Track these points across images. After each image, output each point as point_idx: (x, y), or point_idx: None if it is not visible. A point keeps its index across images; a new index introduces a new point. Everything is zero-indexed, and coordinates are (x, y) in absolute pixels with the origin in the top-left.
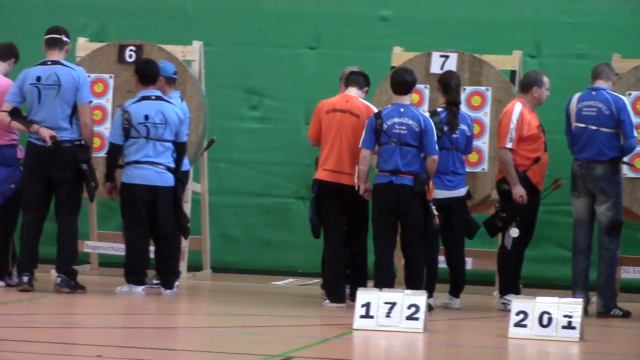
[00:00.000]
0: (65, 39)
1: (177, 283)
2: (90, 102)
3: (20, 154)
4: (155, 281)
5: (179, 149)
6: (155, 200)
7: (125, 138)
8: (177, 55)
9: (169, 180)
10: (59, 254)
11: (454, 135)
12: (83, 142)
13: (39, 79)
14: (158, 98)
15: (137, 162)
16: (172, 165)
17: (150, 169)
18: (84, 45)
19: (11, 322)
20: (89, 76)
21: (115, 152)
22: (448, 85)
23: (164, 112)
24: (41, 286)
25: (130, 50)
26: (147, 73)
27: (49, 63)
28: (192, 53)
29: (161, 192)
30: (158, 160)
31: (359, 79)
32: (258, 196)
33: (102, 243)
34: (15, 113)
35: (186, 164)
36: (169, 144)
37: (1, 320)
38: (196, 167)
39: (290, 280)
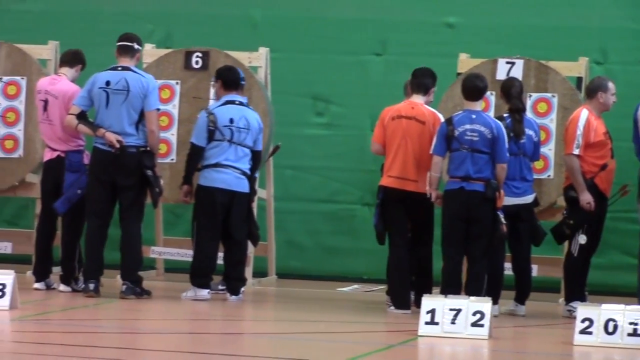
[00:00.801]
0: (137, 46)
1: (242, 289)
2: (158, 109)
3: (87, 159)
4: (221, 287)
5: (256, 156)
6: (231, 205)
7: (208, 140)
8: (244, 62)
9: (245, 186)
10: (123, 262)
11: (522, 141)
12: (148, 149)
13: (108, 83)
14: (241, 103)
15: (217, 165)
16: (249, 172)
17: (230, 173)
18: (150, 52)
19: (77, 327)
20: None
21: (196, 155)
22: (509, 93)
23: (247, 118)
24: (107, 292)
25: (197, 56)
26: (231, 79)
27: (120, 69)
28: (258, 59)
29: (238, 197)
30: (237, 165)
31: (424, 83)
32: (323, 202)
33: (168, 249)
34: (81, 117)
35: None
36: (248, 150)
37: (67, 326)
38: (262, 173)
39: (355, 286)
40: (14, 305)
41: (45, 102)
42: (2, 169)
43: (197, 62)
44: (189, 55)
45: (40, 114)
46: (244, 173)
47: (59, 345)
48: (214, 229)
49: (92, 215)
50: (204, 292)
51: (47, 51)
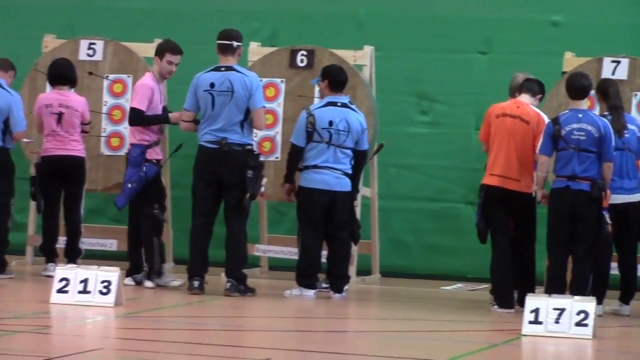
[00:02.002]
0: (236, 44)
1: (346, 287)
2: (264, 107)
3: (156, 154)
4: (324, 285)
5: (359, 156)
6: (332, 204)
7: (307, 141)
8: (348, 60)
9: (346, 185)
10: (228, 259)
11: (625, 136)
12: (254, 148)
13: (212, 85)
14: (344, 105)
15: (316, 166)
16: (350, 171)
17: (329, 174)
18: (256, 50)
19: (182, 324)
20: (260, 80)
21: (296, 154)
22: (607, 92)
23: (348, 120)
24: (212, 289)
25: (302, 54)
26: (339, 79)
27: (222, 69)
28: (363, 58)
29: (339, 196)
30: (337, 166)
31: (533, 86)
32: (427, 201)
33: (272, 246)
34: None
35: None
36: (349, 151)
37: (172, 323)
38: (366, 171)
39: (459, 285)
40: (119, 302)
41: (60, 115)
42: (107, 166)
43: (302, 61)
44: (294, 53)
45: (54, 126)
46: (344, 173)
47: (164, 342)
48: (316, 229)
49: (197, 214)
50: (310, 293)
51: (153, 49)
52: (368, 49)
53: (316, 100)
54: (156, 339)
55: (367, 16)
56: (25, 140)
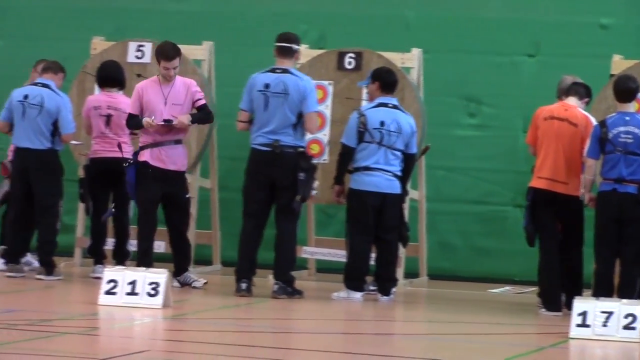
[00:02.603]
0: (295, 47)
1: (394, 290)
2: (317, 111)
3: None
4: (372, 287)
5: (408, 159)
6: (382, 207)
7: (358, 142)
8: (396, 62)
9: (396, 187)
10: (277, 261)
11: None
12: (305, 150)
13: (267, 86)
14: (395, 107)
15: (367, 168)
16: (400, 173)
17: (380, 175)
18: (304, 52)
19: (229, 326)
20: None
21: (347, 155)
22: None
23: (398, 121)
24: (259, 291)
25: (350, 57)
26: (389, 81)
27: (278, 71)
28: (411, 60)
29: (389, 199)
30: (387, 168)
31: (580, 90)
32: (475, 204)
33: (320, 249)
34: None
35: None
36: (399, 153)
37: (219, 325)
38: (414, 174)
39: (507, 288)
40: (167, 304)
41: (108, 117)
42: None
43: (350, 63)
44: (342, 55)
45: (102, 128)
46: (394, 175)
47: (211, 344)
48: (366, 232)
49: (248, 216)
50: (357, 295)
51: (202, 52)
52: (416, 52)
53: (364, 103)
54: (203, 340)
55: (415, 18)
56: (73, 142)
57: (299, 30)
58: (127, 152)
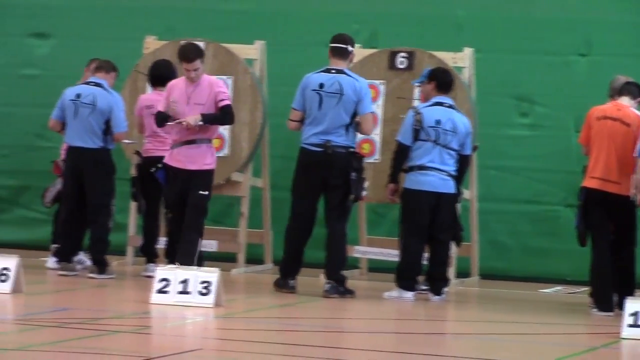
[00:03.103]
0: (350, 48)
1: (445, 289)
2: (372, 112)
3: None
4: (424, 287)
5: (463, 160)
6: (437, 206)
7: (413, 140)
8: (448, 62)
9: (451, 187)
10: (328, 261)
11: None
12: (357, 150)
13: (321, 85)
14: (450, 106)
15: (422, 167)
16: (455, 172)
17: (435, 175)
18: (356, 52)
19: (280, 325)
20: None
21: (402, 153)
22: None
23: (454, 121)
24: (309, 290)
25: (402, 56)
26: (446, 81)
27: (333, 71)
28: (462, 60)
29: (444, 198)
30: (442, 167)
31: (633, 89)
32: (527, 203)
33: (372, 248)
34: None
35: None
36: (454, 153)
37: (270, 324)
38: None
39: (558, 288)
40: (219, 302)
41: None
42: None
43: (401, 62)
44: (393, 55)
45: (155, 127)
46: (449, 174)
47: (263, 343)
48: (420, 231)
49: (297, 214)
50: (409, 295)
51: (254, 51)
52: (467, 51)
53: (415, 102)
54: (254, 339)
55: (466, 18)
56: (126, 141)
57: (350, 30)
58: None
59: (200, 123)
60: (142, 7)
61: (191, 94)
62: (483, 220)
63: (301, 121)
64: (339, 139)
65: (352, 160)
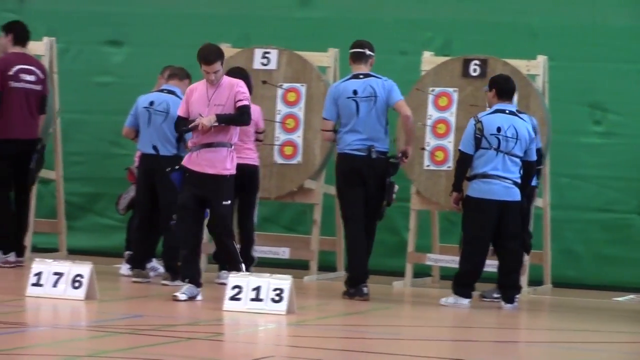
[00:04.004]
0: (368, 52)
1: (517, 297)
2: (402, 99)
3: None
4: (495, 295)
5: (527, 167)
6: (502, 215)
7: (475, 148)
8: (522, 70)
9: (516, 194)
10: None
11: None
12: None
13: (355, 92)
14: (511, 113)
15: (484, 175)
16: (519, 180)
17: (498, 183)
18: (429, 59)
19: (352, 333)
20: (433, 90)
21: (464, 162)
22: None
23: (516, 127)
24: (381, 297)
25: (475, 64)
26: (506, 88)
27: (361, 76)
28: (536, 67)
29: (508, 207)
30: (506, 175)
31: None
32: (599, 211)
33: (444, 256)
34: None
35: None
36: (518, 160)
37: (343, 331)
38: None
39: (632, 296)
40: (291, 310)
41: None
42: (281, 174)
43: (474, 70)
44: (467, 63)
45: None
46: (513, 182)
47: (334, 351)
48: (483, 240)
49: (351, 220)
50: (465, 302)
51: (327, 58)
52: (541, 59)
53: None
54: (326, 347)
55: (540, 26)
56: None
57: (423, 38)
58: (252, 158)
59: (215, 124)
60: (217, 14)
61: (212, 96)
62: (556, 228)
63: (334, 131)
64: (380, 145)
65: (389, 165)
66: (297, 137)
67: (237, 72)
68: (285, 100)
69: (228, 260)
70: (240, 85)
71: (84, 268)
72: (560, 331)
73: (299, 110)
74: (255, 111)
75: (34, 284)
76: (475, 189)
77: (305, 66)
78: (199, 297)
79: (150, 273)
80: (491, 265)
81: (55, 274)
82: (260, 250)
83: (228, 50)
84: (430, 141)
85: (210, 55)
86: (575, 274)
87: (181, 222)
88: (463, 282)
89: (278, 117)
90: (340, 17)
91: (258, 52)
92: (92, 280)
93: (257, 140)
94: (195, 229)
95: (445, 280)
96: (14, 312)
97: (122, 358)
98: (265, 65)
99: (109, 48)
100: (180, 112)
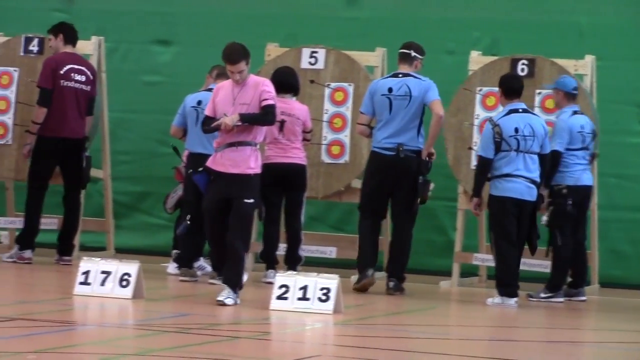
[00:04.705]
0: (414, 54)
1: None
2: (439, 99)
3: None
4: (542, 295)
5: (542, 160)
6: (520, 214)
7: (495, 152)
8: (569, 69)
9: (534, 195)
10: (393, 259)
11: None
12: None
13: (390, 90)
14: (524, 111)
15: (507, 175)
16: (538, 179)
17: (521, 182)
18: (476, 59)
19: (399, 332)
20: (480, 89)
21: (484, 167)
22: None
23: (531, 125)
24: (429, 296)
25: (523, 64)
26: (513, 87)
27: (400, 75)
28: (584, 67)
29: (526, 206)
30: (527, 175)
31: None
32: None
33: (491, 256)
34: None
35: (589, 179)
36: (536, 157)
37: (389, 331)
38: None
39: None
40: (338, 309)
41: (282, 123)
42: (328, 174)
43: (522, 70)
44: (514, 62)
45: (276, 134)
46: (533, 182)
47: (381, 350)
48: (510, 237)
49: (368, 214)
50: (511, 302)
51: (374, 58)
52: (589, 59)
53: (536, 110)
54: (373, 346)
55: (588, 25)
56: None
57: (471, 37)
58: (299, 157)
59: (239, 123)
60: (264, 14)
61: (237, 95)
62: (603, 228)
63: (368, 125)
64: (411, 143)
65: (420, 164)
66: (345, 136)
67: (286, 72)
68: (332, 99)
69: (230, 270)
70: (266, 84)
71: (132, 267)
72: (609, 331)
73: (347, 110)
74: (303, 111)
75: (81, 283)
76: (498, 188)
77: (353, 65)
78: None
79: (197, 272)
80: (539, 265)
81: (103, 272)
82: (307, 250)
83: (275, 49)
84: (478, 141)
85: (234, 54)
86: (622, 274)
87: (208, 224)
88: (504, 282)
89: (325, 117)
90: (387, 16)
91: (306, 52)
92: (140, 279)
93: (304, 139)
94: (223, 232)
95: (492, 280)
96: (61, 310)
97: (169, 357)
98: (313, 64)
99: (157, 47)
100: (207, 111)
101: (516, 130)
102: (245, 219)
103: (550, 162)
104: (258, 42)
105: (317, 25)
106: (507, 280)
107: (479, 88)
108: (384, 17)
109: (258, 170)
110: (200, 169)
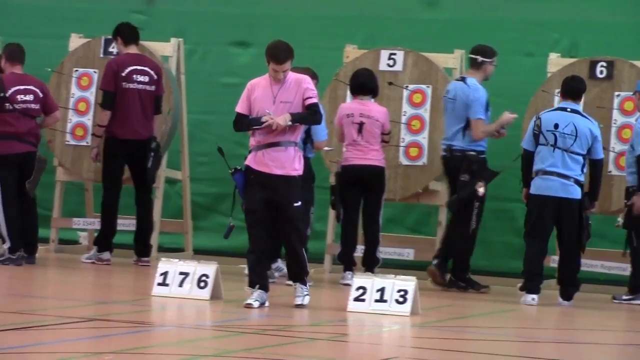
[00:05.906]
0: (480, 59)
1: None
2: (480, 119)
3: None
4: (625, 297)
5: (592, 165)
6: (559, 212)
7: (535, 145)
8: None
9: (574, 192)
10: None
11: None
12: (472, 153)
13: (447, 92)
14: (573, 111)
15: (545, 171)
16: (581, 178)
17: (556, 180)
18: (555, 61)
19: (475, 334)
20: (559, 92)
21: (526, 158)
22: None
23: (575, 124)
24: (507, 299)
25: (601, 66)
26: (567, 87)
27: (458, 79)
28: None
29: (565, 204)
30: (565, 172)
31: None
32: None
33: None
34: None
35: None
36: (579, 158)
37: (466, 333)
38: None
39: None
40: (415, 311)
41: (361, 124)
42: (406, 176)
43: (601, 72)
44: (593, 64)
45: (355, 136)
46: (575, 180)
47: (459, 352)
48: (538, 235)
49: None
50: (529, 298)
51: (453, 60)
52: None
53: (615, 112)
54: (450, 348)
55: None
56: (325, 148)
57: (550, 39)
58: (378, 159)
59: (290, 123)
60: (342, 16)
61: (278, 92)
62: None
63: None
64: (457, 143)
65: (463, 163)
66: (423, 138)
67: (365, 74)
68: (411, 101)
69: (295, 268)
70: (307, 82)
71: (210, 268)
72: (619, 332)
73: (425, 112)
74: (382, 112)
75: (159, 284)
76: (534, 186)
77: (431, 67)
78: (267, 303)
79: (275, 273)
80: (617, 267)
81: (181, 273)
82: (385, 252)
83: (354, 51)
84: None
85: (281, 54)
86: None
87: (249, 227)
88: (525, 277)
89: (404, 119)
90: (466, 18)
91: (384, 54)
92: (218, 280)
93: (383, 141)
94: (264, 233)
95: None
96: (140, 311)
97: (247, 358)
98: (391, 66)
99: (235, 49)
100: (240, 109)
101: (556, 126)
102: (296, 221)
103: (637, 166)
104: (337, 43)
105: (396, 27)
106: (527, 276)
107: (557, 90)
108: (462, 19)
109: (301, 172)
110: (239, 167)
